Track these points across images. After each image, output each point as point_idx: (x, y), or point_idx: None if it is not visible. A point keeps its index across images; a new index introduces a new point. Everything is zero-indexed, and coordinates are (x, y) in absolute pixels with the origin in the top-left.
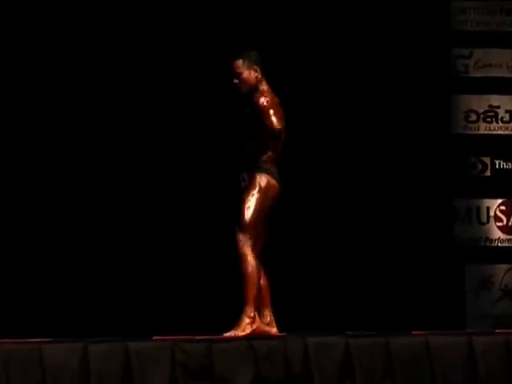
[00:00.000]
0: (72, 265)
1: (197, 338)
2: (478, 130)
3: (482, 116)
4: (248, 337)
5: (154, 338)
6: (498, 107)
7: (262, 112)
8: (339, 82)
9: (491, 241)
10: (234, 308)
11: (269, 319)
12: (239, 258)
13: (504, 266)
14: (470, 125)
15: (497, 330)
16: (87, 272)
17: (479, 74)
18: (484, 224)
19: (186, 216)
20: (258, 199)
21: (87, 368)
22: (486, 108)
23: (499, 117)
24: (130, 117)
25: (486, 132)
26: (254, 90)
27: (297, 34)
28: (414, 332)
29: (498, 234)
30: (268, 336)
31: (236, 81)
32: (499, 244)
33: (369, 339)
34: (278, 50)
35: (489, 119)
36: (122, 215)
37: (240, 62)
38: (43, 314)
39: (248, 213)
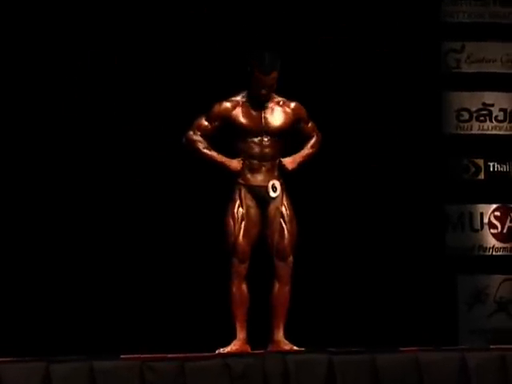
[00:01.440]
0: (33, 278)
1: (168, 356)
2: (471, 129)
3: (474, 115)
4: (222, 355)
5: (122, 356)
6: (492, 105)
7: (314, 126)
8: (335, 81)
9: (485, 249)
10: (208, 326)
11: (243, 336)
12: (290, 280)
13: (499, 277)
14: (461, 124)
15: (491, 346)
16: (49, 286)
17: (472, 70)
18: (477, 231)
19: (162, 230)
20: None
21: None
22: (479, 106)
23: (493, 115)
24: (130, 117)
25: (479, 132)
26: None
27: (296, 34)
28: (402, 348)
29: (492, 241)
30: (244, 354)
31: (264, 92)
32: (494, 253)
33: (353, 356)
34: (277, 50)
35: (482, 118)
36: (94, 229)
37: (277, 74)
38: (1, 332)
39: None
